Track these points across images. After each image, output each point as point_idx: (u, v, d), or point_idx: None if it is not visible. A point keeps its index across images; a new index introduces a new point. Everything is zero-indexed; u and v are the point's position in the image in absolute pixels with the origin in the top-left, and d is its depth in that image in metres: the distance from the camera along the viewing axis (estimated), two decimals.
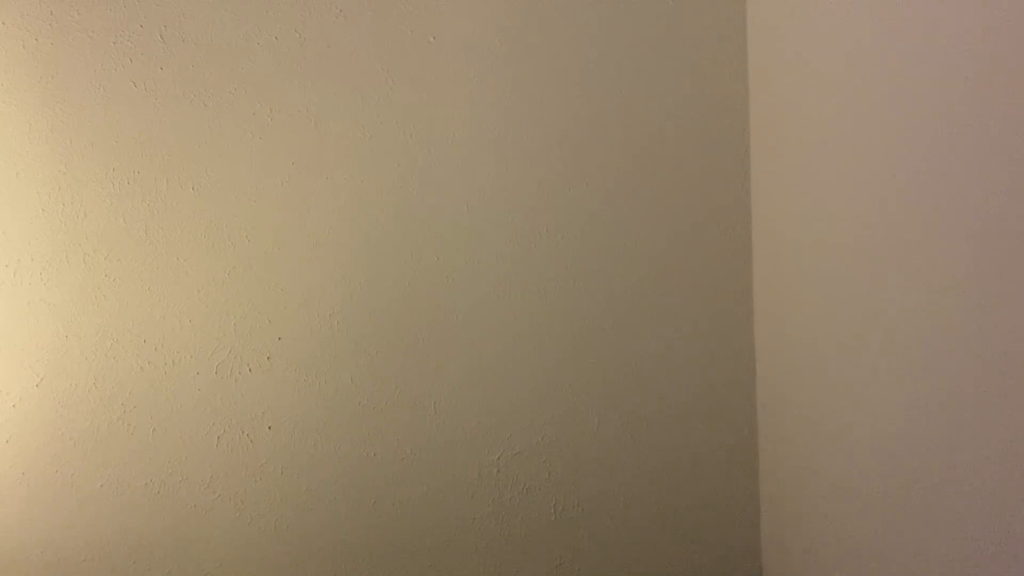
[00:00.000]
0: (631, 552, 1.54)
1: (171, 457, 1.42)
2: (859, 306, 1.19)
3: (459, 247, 1.47)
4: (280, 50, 1.42)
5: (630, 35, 1.49)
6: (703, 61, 1.50)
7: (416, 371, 1.47)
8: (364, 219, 1.45)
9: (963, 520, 0.98)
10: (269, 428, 1.44)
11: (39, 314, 1.38)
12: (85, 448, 1.39)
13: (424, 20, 1.45)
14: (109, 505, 1.41)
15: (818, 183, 1.29)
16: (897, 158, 1.07)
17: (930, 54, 0.99)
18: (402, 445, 1.48)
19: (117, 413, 1.40)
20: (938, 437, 1.02)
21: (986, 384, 0.93)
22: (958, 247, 0.96)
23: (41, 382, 1.38)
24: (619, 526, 1.54)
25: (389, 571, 1.49)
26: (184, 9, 1.40)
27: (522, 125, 1.48)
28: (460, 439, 1.49)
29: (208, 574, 1.44)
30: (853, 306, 1.20)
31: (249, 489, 1.44)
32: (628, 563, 1.54)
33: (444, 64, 1.45)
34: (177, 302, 1.41)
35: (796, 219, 1.37)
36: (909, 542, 1.09)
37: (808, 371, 1.35)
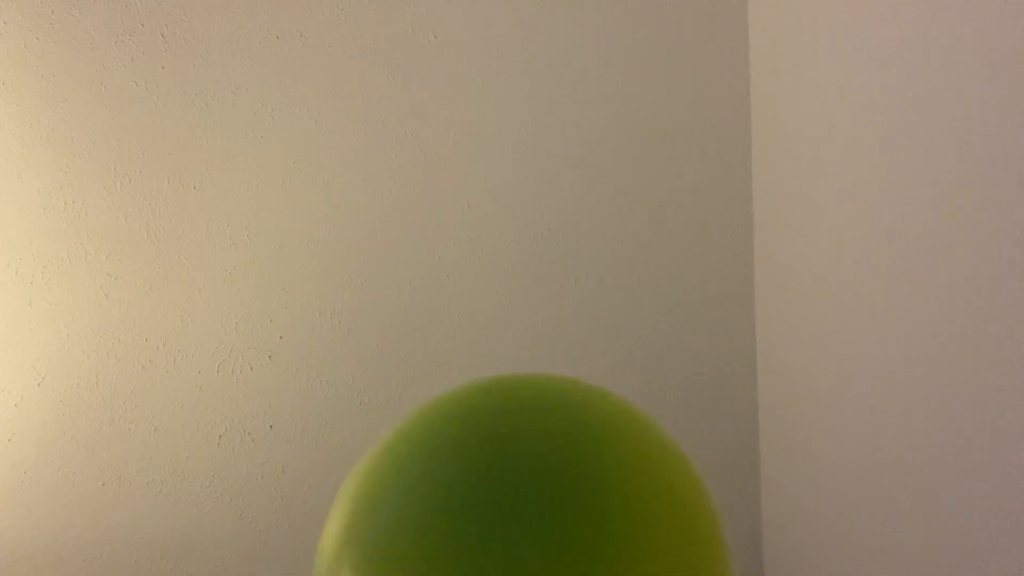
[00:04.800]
0: None
1: (172, 456, 1.42)
2: (861, 305, 1.19)
3: (459, 247, 1.48)
4: (281, 49, 1.42)
5: (631, 35, 1.50)
6: (704, 60, 1.51)
7: (416, 371, 1.47)
8: (364, 219, 1.45)
9: (965, 520, 0.99)
10: (270, 427, 1.44)
11: (40, 313, 1.38)
12: (86, 447, 1.39)
13: (426, 19, 1.45)
14: (110, 504, 1.40)
15: (820, 185, 1.29)
16: (900, 160, 1.08)
17: (937, 53, 1.00)
18: None
19: (118, 412, 1.40)
20: (941, 437, 1.02)
21: (990, 384, 0.93)
22: (961, 248, 0.97)
23: (42, 381, 1.38)
24: None
25: None
26: (186, 8, 1.40)
27: (523, 124, 1.48)
28: None
29: (209, 573, 1.44)
30: (855, 305, 1.21)
31: (250, 488, 1.44)
32: None
33: (446, 63, 1.46)
34: (178, 301, 1.41)
35: (798, 220, 1.38)
36: (910, 542, 1.10)
37: (810, 372, 1.36)
